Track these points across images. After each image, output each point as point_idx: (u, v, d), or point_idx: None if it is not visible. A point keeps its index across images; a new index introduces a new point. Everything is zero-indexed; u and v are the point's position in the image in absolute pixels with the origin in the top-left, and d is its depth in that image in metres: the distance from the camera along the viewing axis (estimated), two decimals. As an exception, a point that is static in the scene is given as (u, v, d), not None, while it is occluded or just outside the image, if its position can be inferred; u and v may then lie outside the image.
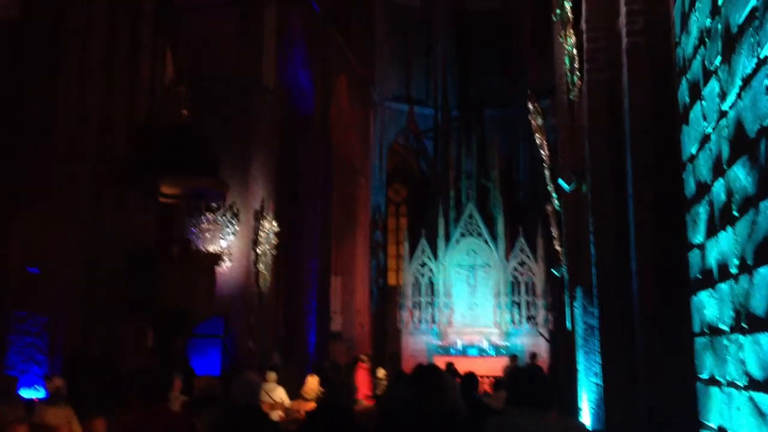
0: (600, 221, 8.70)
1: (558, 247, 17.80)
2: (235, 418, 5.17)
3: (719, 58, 2.54)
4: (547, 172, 17.00)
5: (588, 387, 9.77)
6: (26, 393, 10.93)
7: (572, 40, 10.77)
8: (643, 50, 7.58)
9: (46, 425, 8.16)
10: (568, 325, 13.85)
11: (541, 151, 16.84)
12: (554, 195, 16.47)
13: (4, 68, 12.05)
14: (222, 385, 11.02)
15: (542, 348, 26.45)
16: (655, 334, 6.37)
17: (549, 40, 16.88)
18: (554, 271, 18.92)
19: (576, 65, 10.76)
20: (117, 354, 12.62)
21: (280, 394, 11.69)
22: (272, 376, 11.98)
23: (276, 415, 10.56)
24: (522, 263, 28.19)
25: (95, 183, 12.85)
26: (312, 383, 12.72)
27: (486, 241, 28.45)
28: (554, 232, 18.49)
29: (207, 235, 16.62)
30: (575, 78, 10.98)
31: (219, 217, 16.81)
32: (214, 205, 16.72)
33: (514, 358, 19.89)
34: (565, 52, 11.54)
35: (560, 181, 12.78)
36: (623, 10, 7.74)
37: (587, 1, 9.72)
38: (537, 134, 16.63)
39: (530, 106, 16.61)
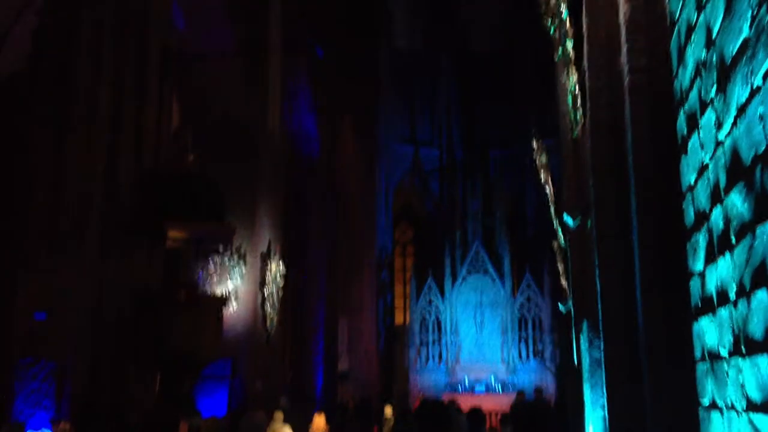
0: (604, 256, 8.71)
1: (564, 283, 17.76)
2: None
3: (715, 88, 2.59)
4: (552, 209, 17.03)
5: (594, 420, 9.72)
6: (33, 438, 10.89)
7: (574, 78, 10.87)
8: (644, 87, 7.65)
9: (53, 469, 8.13)
10: (575, 359, 13.77)
11: (546, 189, 16.90)
12: (560, 231, 16.49)
13: (13, 118, 12.21)
14: (229, 425, 10.97)
15: (549, 383, 26.26)
16: (661, 364, 6.36)
17: (552, 80, 17.04)
18: (561, 307, 18.84)
19: (578, 103, 10.85)
20: (124, 397, 12.58)
21: (287, 434, 11.63)
22: (279, 415, 11.91)
23: (284, 455, 10.49)
24: (529, 299, 28.15)
25: (102, 228, 12.93)
26: (319, 422, 12.64)
27: (493, 279, 28.43)
28: (560, 268, 18.46)
29: (214, 278, 16.64)
30: (578, 116, 11.06)
31: (226, 260, 16.85)
32: (220, 248, 16.77)
33: (521, 393, 19.72)
34: (568, 91, 11.64)
35: (565, 218, 12.81)
36: (624, 48, 7.83)
37: (588, 40, 9.83)
38: (542, 172, 16.71)
39: (534, 144, 16.72)
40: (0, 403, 11.57)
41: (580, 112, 10.81)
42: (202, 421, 12.17)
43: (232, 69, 18.23)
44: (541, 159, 16.55)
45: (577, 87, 10.75)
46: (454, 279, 28.69)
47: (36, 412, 11.67)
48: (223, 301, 16.06)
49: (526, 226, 31.58)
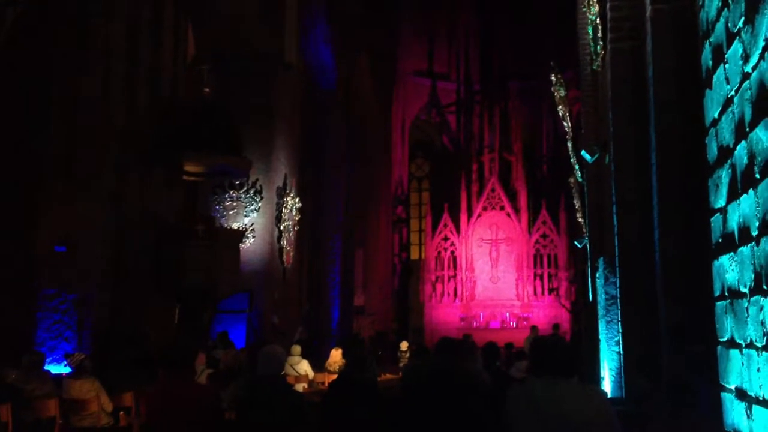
0: (622, 191, 8.66)
1: (580, 219, 17.74)
2: (260, 389, 5.23)
3: (742, 19, 2.50)
4: (570, 144, 16.90)
5: (609, 356, 9.80)
6: (55, 369, 11.11)
7: (596, 9, 10.64)
8: (667, 18, 7.48)
9: (75, 399, 8.30)
10: (590, 295, 13.83)
11: (564, 123, 16.72)
12: (577, 167, 16.39)
13: (27, 49, 12.13)
14: (247, 358, 11.14)
15: (564, 319, 26.49)
16: (677, 300, 6.36)
17: (572, 11, 16.69)
18: (577, 243, 18.86)
19: (599, 35, 10.65)
20: (144, 329, 12.78)
21: (304, 367, 11.78)
22: (297, 349, 12.07)
23: (300, 387, 10.66)
24: (545, 236, 28.17)
25: (119, 161, 12.95)
26: (336, 356, 12.81)
27: (508, 215, 28.41)
28: (577, 204, 18.42)
29: (231, 212, 16.74)
30: (598, 48, 10.87)
31: (242, 194, 16.92)
32: (237, 182, 16.81)
33: (534, 329, 19.94)
34: (588, 21, 11.41)
35: (583, 153, 12.70)
36: (647, -23, 7.63)
37: (610, -31, 9.58)
38: (560, 106, 16.51)
39: (553, 78, 16.47)
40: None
41: (600, 44, 10.62)
42: (221, 353, 12.37)
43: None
44: (560, 92, 16.32)
45: (598, 18, 10.53)
46: (470, 214, 28.71)
47: (58, 344, 11.89)
48: (240, 235, 16.18)
49: (543, 162, 31.40)
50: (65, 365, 11.29)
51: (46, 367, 9.87)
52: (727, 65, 2.76)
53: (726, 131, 2.78)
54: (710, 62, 3.05)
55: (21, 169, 12.01)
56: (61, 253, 12.02)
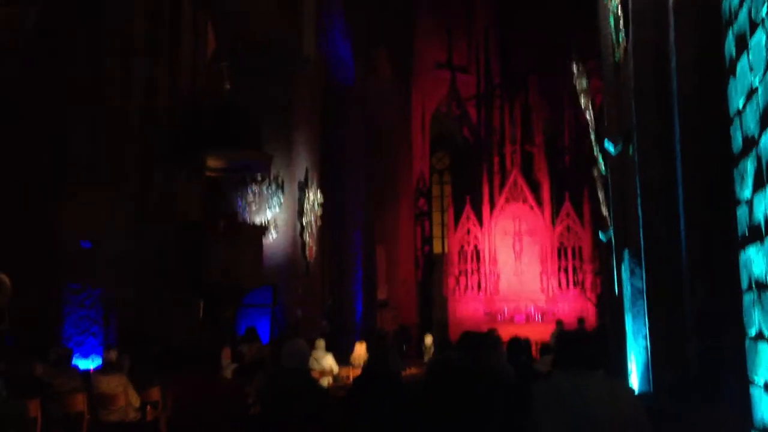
0: (647, 183, 8.58)
1: (604, 211, 17.60)
2: (284, 382, 5.25)
3: (766, 7, 2.47)
4: (592, 136, 16.77)
5: (636, 350, 9.70)
6: (83, 364, 11.23)
7: (617, -1, 10.56)
8: (689, 7, 7.41)
9: (103, 394, 8.39)
10: (616, 288, 13.73)
11: (587, 114, 16.60)
12: (600, 158, 16.27)
13: (47, 47, 12.24)
14: (271, 351, 11.20)
15: (590, 313, 26.29)
16: (704, 293, 6.30)
17: (592, 1, 16.54)
18: (601, 235, 18.73)
19: (621, 24, 10.57)
20: (169, 325, 12.88)
21: (329, 361, 11.83)
22: (321, 343, 12.11)
23: (325, 381, 10.70)
24: (569, 228, 27.97)
25: (142, 158, 13.05)
26: (360, 350, 12.85)
27: (531, 207, 28.26)
28: (600, 196, 18.29)
29: (253, 207, 16.79)
30: (620, 38, 10.78)
31: (264, 189, 16.95)
32: (258, 177, 16.87)
33: (559, 323, 19.84)
34: (610, 11, 11.32)
35: (606, 144, 12.60)
36: (669, -35, 7.54)
37: (631, -43, 9.49)
38: (582, 97, 16.39)
39: (575, 68, 16.35)
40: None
41: (622, 34, 10.53)
42: (246, 348, 12.45)
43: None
44: (582, 83, 16.20)
45: (619, 7, 10.45)
46: (492, 207, 28.59)
47: (85, 339, 12.01)
48: (263, 230, 16.23)
49: (565, 153, 31.17)
50: (92, 359, 11.42)
51: (73, 362, 9.97)
52: (750, 54, 2.72)
53: (750, 121, 2.75)
54: (734, 51, 3.01)
55: (45, 166, 12.12)
56: (86, 249, 12.14)
